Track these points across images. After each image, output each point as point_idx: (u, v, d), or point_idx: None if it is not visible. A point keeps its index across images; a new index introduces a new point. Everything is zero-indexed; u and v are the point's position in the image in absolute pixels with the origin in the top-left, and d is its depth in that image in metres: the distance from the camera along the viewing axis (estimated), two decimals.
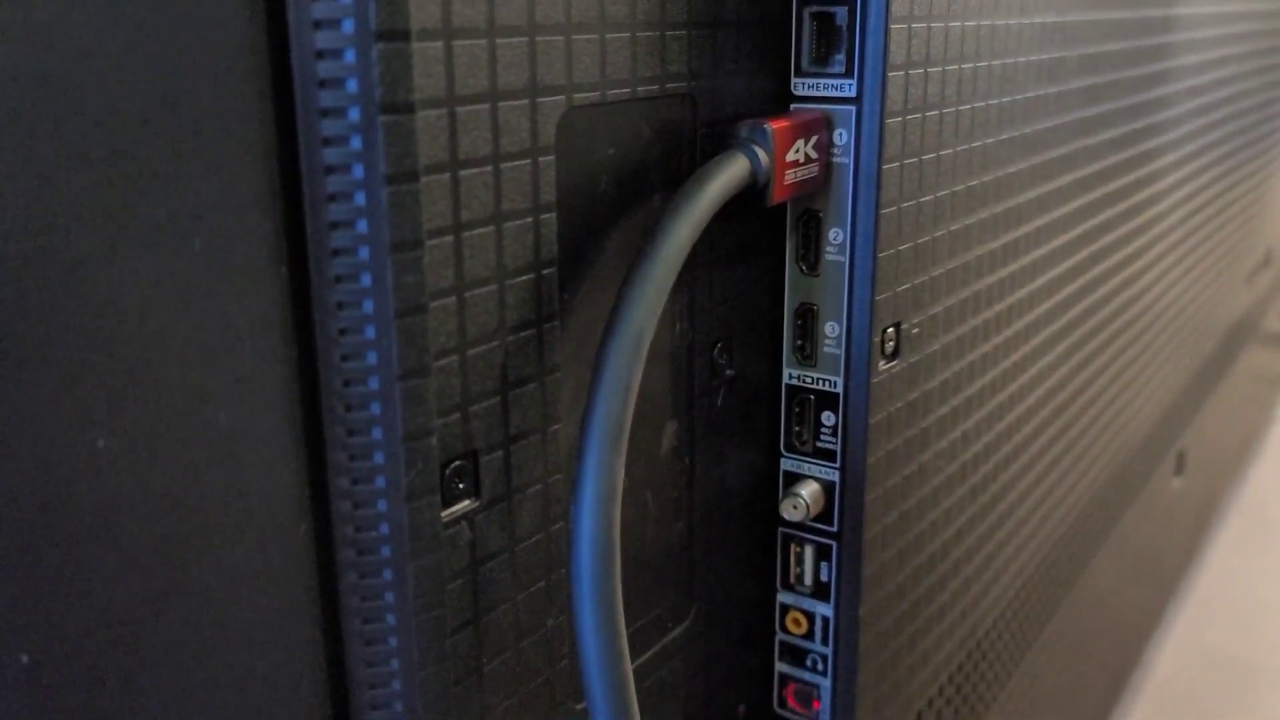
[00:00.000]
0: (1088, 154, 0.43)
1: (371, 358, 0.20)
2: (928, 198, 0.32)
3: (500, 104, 0.21)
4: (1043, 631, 0.50)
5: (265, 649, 0.21)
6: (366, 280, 0.19)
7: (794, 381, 0.32)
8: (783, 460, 0.33)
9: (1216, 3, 0.59)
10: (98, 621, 0.18)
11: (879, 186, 0.29)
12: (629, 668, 0.23)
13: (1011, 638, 0.46)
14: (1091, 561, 0.56)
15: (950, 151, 0.32)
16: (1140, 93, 0.48)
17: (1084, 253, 0.45)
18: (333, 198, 0.19)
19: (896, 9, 0.28)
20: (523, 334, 0.23)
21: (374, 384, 0.20)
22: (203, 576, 0.19)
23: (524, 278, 0.23)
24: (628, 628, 0.29)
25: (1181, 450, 0.71)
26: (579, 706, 0.27)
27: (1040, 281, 0.41)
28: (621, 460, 0.23)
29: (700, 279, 0.29)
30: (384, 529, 0.21)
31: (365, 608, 0.21)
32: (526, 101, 0.22)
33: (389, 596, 0.21)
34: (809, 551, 0.33)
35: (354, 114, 0.19)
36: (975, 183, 0.34)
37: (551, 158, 0.23)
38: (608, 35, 0.24)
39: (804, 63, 0.30)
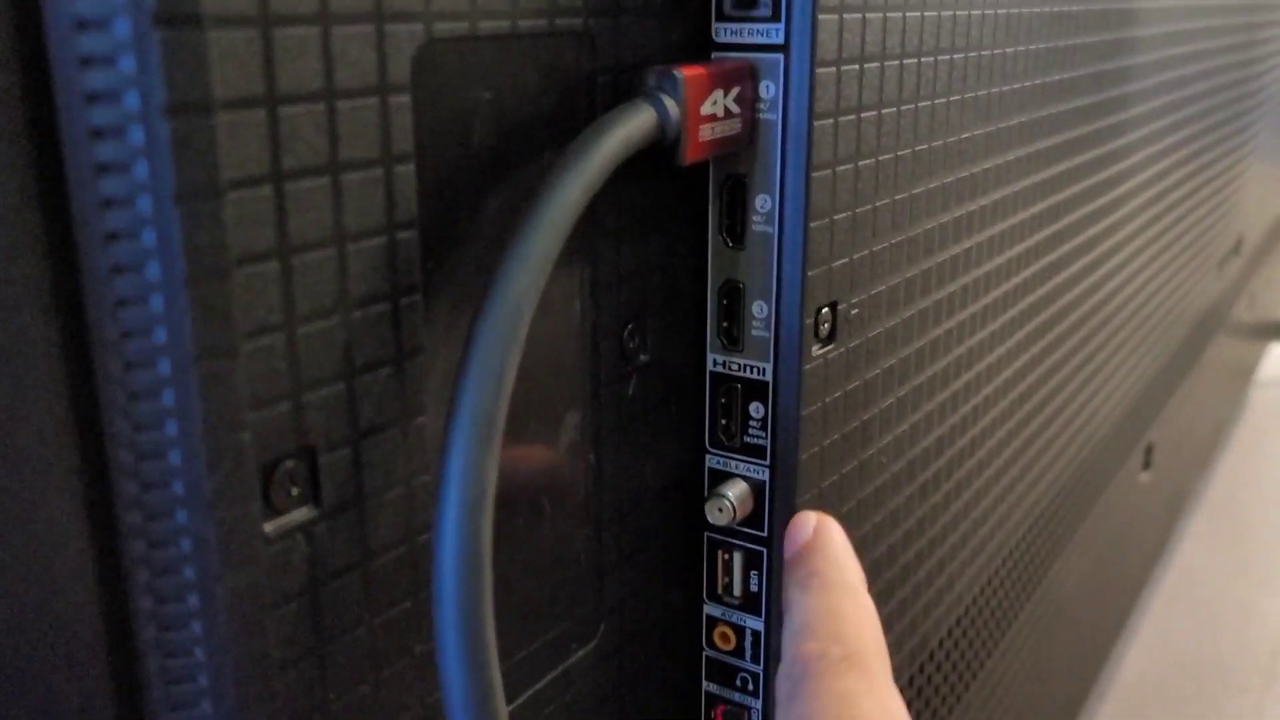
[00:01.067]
0: (1051, 123, 0.40)
1: (160, 334, 0.16)
2: (867, 161, 0.28)
3: (334, 28, 0.18)
4: (1004, 638, 0.47)
5: (39, 695, 0.17)
6: (149, 238, 0.16)
7: (719, 369, 0.28)
8: (707, 457, 0.29)
9: None
10: None
11: (810, 145, 0.26)
12: (500, 701, 0.19)
13: (969, 646, 0.43)
14: (1056, 563, 0.52)
15: (893, 110, 0.29)
16: (1110, 60, 0.45)
17: (1047, 231, 0.42)
18: (99, 133, 0.15)
19: None
20: (373, 308, 0.19)
21: (165, 367, 0.16)
22: None
23: (373, 241, 0.19)
24: (522, 649, 0.25)
25: (1150, 444, 0.68)
26: None
27: (998, 260, 0.38)
28: (493, 459, 0.19)
29: (605, 251, 0.25)
30: (185, 545, 0.17)
31: (166, 639, 0.17)
32: (370, 27, 0.18)
33: (197, 626, 0.17)
34: (738, 559, 0.30)
35: (122, 27, 0.15)
36: (923, 147, 0.31)
37: (406, 98, 0.19)
38: None
39: (726, 5, 0.26)
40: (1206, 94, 0.65)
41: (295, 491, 0.19)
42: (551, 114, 0.23)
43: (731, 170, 0.27)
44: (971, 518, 0.40)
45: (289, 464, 0.18)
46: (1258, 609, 0.82)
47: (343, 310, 0.19)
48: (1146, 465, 0.68)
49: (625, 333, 0.26)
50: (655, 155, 0.24)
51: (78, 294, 0.16)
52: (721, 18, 0.26)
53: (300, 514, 0.19)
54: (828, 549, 0.27)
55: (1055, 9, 0.38)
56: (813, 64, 0.25)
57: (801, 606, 0.26)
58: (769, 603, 0.29)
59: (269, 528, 0.18)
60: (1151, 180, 0.57)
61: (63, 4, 0.15)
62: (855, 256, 0.28)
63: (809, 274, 0.27)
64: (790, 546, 0.28)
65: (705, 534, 0.30)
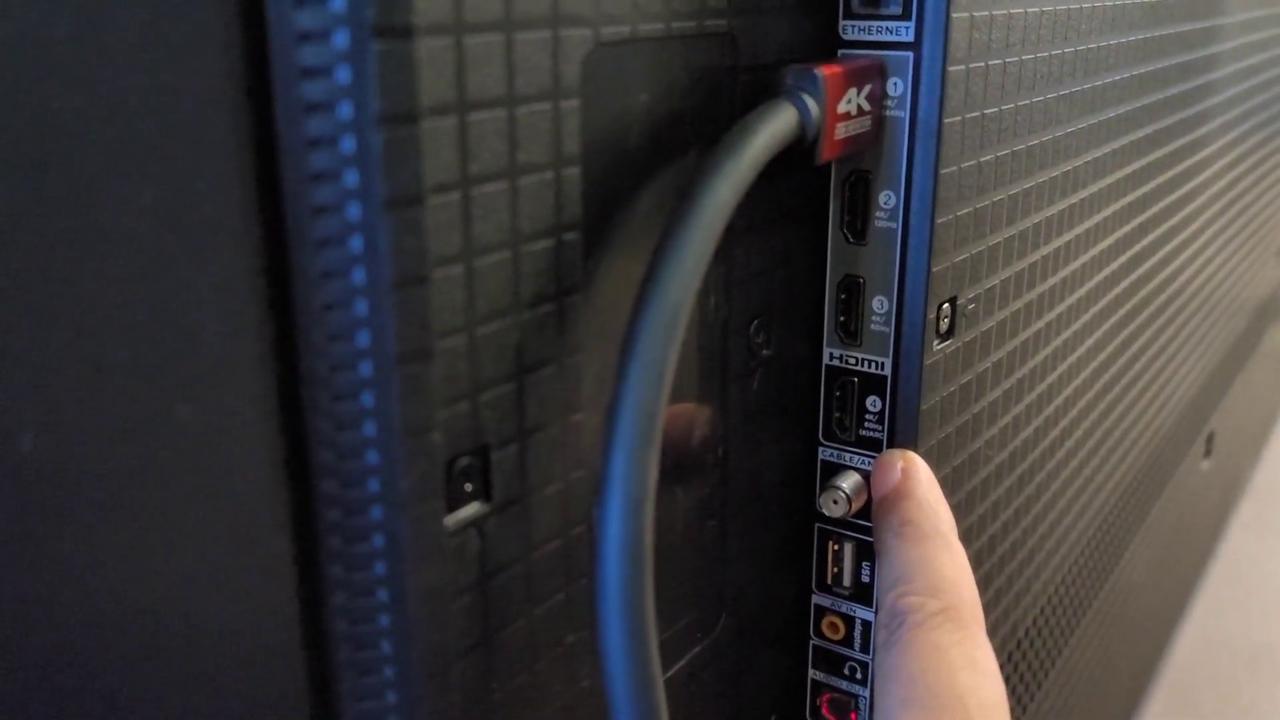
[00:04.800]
0: (1144, 114, 0.40)
1: (364, 338, 0.16)
2: (988, 156, 0.28)
3: (517, 35, 0.18)
4: (1079, 626, 0.47)
5: (238, 685, 0.17)
6: (357, 244, 0.16)
7: (835, 363, 0.29)
8: (821, 450, 0.29)
9: None
10: (25, 659, 0.15)
11: (939, 143, 0.26)
12: (662, 694, 0.20)
13: (1050, 635, 0.43)
14: (1126, 551, 0.53)
15: (1012, 105, 0.29)
16: (1196, 49, 0.45)
17: (1134, 221, 0.42)
18: (315, 143, 0.16)
19: None
20: (540, 309, 0.20)
21: (366, 369, 0.17)
22: (154, 603, 0.16)
23: (543, 243, 0.19)
24: None
25: (1211, 431, 0.68)
26: None
27: (1092, 252, 0.38)
28: (655, 456, 0.20)
29: (737, 247, 0.25)
30: (378, 541, 0.17)
31: (357, 633, 0.18)
32: (548, 33, 0.18)
33: (384, 620, 0.18)
34: (849, 550, 0.30)
35: (341, 39, 0.15)
36: (1035, 141, 0.31)
37: (576, 102, 0.19)
38: None
39: (855, 3, 0.26)
40: (1273, 81, 0.65)
41: (470, 487, 0.19)
42: (697, 113, 0.23)
43: (855, 166, 0.27)
44: (1059, 506, 0.40)
45: (465, 461, 0.19)
46: None
47: (515, 311, 0.19)
48: (1208, 453, 0.68)
49: (752, 328, 0.26)
50: (791, 154, 0.24)
51: (289, 298, 0.16)
52: (850, 15, 0.26)
53: (474, 509, 0.19)
54: (918, 493, 0.27)
55: None
56: (945, 62, 0.25)
57: (898, 556, 0.26)
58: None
59: (449, 522, 0.19)
60: (1224, 169, 0.56)
61: (286, 18, 0.15)
62: (974, 251, 0.28)
63: (934, 270, 0.27)
64: (879, 488, 0.28)
65: (817, 525, 0.30)
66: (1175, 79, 0.43)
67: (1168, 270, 0.49)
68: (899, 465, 0.27)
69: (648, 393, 0.20)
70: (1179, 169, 0.47)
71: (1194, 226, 0.52)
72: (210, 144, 0.15)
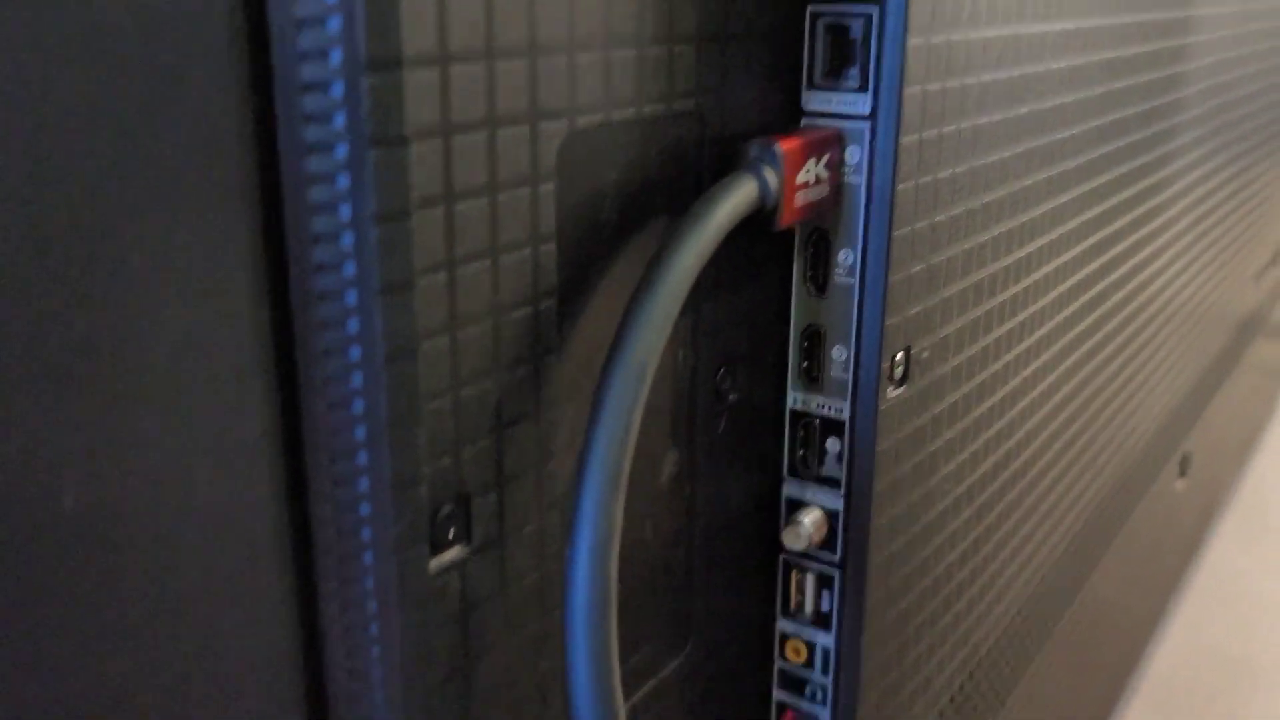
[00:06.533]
0: (1102, 162, 0.42)
1: (358, 405, 0.19)
2: (942, 217, 0.30)
3: (499, 131, 0.20)
4: (1045, 643, 0.49)
5: (246, 707, 0.20)
6: (353, 326, 0.18)
7: (798, 406, 0.31)
8: (785, 485, 0.32)
9: (1233, 2, 0.57)
10: (55, 690, 0.17)
11: (893, 207, 0.28)
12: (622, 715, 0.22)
13: (1014, 653, 0.45)
14: (1094, 571, 0.55)
15: (966, 167, 0.31)
16: (1156, 97, 0.47)
17: (1095, 263, 0.44)
18: (318, 239, 0.18)
19: (916, 20, 0.27)
20: (518, 370, 0.22)
21: (360, 433, 0.19)
22: (174, 639, 0.18)
23: (521, 311, 0.22)
24: (623, 664, 0.28)
25: (1186, 453, 0.70)
26: None
27: (1051, 296, 0.40)
28: (620, 501, 0.22)
29: (705, 302, 0.27)
30: (370, 583, 0.20)
31: (350, 664, 0.20)
32: (527, 127, 0.21)
33: (375, 651, 0.20)
34: (810, 580, 0.32)
35: (341, 150, 0.17)
36: (990, 198, 0.33)
37: (552, 185, 0.22)
38: (613, 53, 0.22)
39: (816, 76, 0.28)
40: (1247, 117, 0.67)
41: (452, 533, 0.21)
42: (667, 185, 0.25)
43: (817, 225, 0.29)
44: (1021, 534, 0.42)
45: (448, 509, 0.21)
46: None
47: (495, 373, 0.21)
48: (1182, 473, 0.70)
49: (718, 375, 0.29)
50: (754, 220, 0.26)
51: (293, 371, 0.19)
52: (812, 87, 0.28)
53: (456, 552, 0.21)
54: None
55: (1111, 55, 0.40)
56: (898, 133, 0.27)
57: None
58: (839, 621, 0.32)
59: (433, 565, 0.21)
60: (1193, 204, 0.58)
61: (296, 136, 0.17)
62: (928, 304, 0.31)
63: (887, 323, 0.29)
64: None
65: (781, 556, 0.32)
66: (1137, 127, 0.45)
67: (1134, 304, 0.51)
68: None
69: (615, 445, 0.22)
70: (1145, 207, 0.49)
71: (1161, 260, 0.54)
72: (228, 248, 0.17)
